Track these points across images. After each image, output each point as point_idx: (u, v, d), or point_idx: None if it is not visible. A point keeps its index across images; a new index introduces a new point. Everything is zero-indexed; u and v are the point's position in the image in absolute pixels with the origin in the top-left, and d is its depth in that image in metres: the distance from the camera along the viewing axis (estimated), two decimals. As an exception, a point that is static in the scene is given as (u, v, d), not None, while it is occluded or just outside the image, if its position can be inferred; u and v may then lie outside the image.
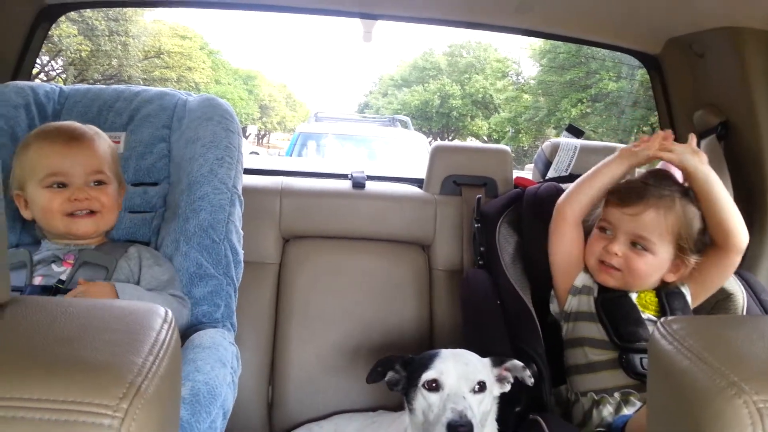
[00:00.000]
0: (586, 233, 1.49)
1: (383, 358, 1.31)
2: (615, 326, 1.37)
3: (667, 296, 1.41)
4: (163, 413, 0.54)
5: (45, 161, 1.30)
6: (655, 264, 1.37)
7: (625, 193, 1.39)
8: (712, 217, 1.35)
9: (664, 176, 1.43)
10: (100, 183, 1.35)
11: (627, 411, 1.29)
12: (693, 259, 1.38)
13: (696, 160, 1.35)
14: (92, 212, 1.33)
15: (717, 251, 1.39)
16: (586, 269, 1.48)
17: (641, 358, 1.31)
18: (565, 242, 1.47)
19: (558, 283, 1.50)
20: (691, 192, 1.39)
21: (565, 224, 1.46)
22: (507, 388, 1.26)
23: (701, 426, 0.58)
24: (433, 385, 1.19)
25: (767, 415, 0.55)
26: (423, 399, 1.20)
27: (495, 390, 1.26)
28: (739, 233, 1.35)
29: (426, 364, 1.22)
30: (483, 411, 1.19)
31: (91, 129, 1.39)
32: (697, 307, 1.54)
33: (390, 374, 1.30)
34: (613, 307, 1.40)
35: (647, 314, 1.39)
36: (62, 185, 1.30)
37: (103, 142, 1.39)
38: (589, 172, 1.47)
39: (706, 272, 1.41)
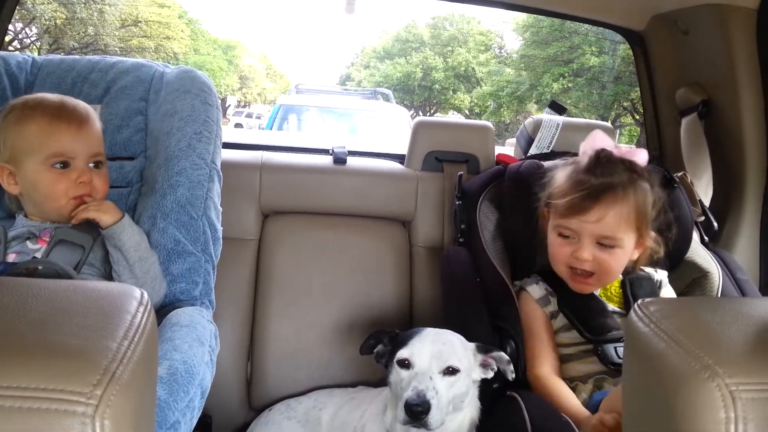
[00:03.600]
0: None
1: (376, 331, 1.33)
2: (583, 321, 1.37)
3: (631, 285, 1.41)
4: (139, 398, 0.54)
5: (53, 140, 1.25)
6: (623, 256, 1.36)
7: (581, 202, 1.32)
8: None
9: (608, 161, 1.36)
10: (97, 165, 1.32)
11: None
12: (652, 234, 1.38)
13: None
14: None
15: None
16: (538, 278, 1.47)
17: (615, 348, 1.32)
18: None
19: None
20: (635, 164, 1.36)
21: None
22: (490, 374, 1.27)
23: (675, 408, 0.59)
24: (405, 362, 1.21)
25: (739, 398, 0.56)
26: (396, 374, 1.23)
27: (476, 374, 1.26)
28: None
29: (404, 341, 1.24)
30: (454, 394, 1.20)
31: (88, 106, 1.35)
32: (673, 285, 1.56)
33: (379, 347, 1.32)
34: (576, 303, 1.40)
35: (612, 306, 1.40)
36: (65, 165, 1.26)
37: (98, 121, 1.36)
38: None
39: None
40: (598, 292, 1.42)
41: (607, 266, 1.35)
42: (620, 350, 1.30)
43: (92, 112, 1.35)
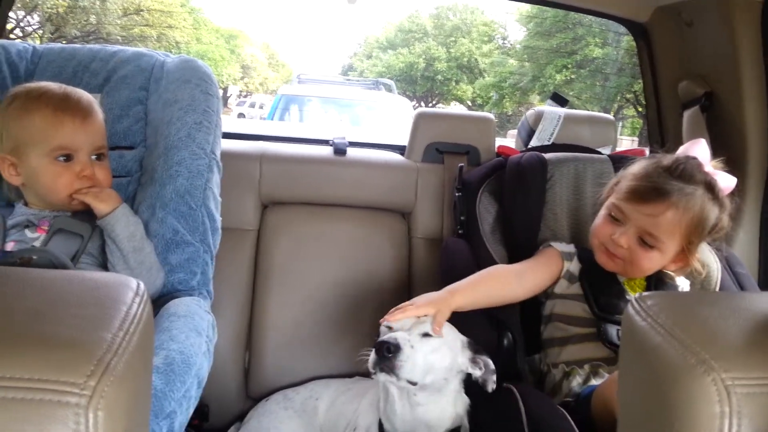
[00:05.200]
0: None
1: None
2: (596, 296, 1.39)
3: (656, 282, 1.40)
4: (134, 389, 0.54)
5: (58, 133, 1.24)
6: (659, 260, 1.34)
7: (645, 192, 1.31)
8: None
9: (692, 169, 1.33)
10: (100, 157, 1.32)
11: (595, 382, 1.31)
12: (696, 255, 1.37)
13: None
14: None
15: None
16: (572, 245, 1.49)
17: (617, 330, 1.33)
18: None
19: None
20: (716, 184, 1.33)
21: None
22: (476, 372, 1.26)
23: (671, 402, 0.59)
24: (388, 327, 1.24)
25: (734, 393, 0.56)
26: (382, 330, 1.26)
27: (463, 362, 1.26)
28: None
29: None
30: (433, 361, 1.19)
31: (91, 98, 1.34)
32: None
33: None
34: (597, 279, 1.42)
35: (631, 296, 1.40)
36: (68, 158, 1.26)
37: (101, 113, 1.35)
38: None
39: None
40: (622, 279, 1.42)
41: (637, 262, 1.34)
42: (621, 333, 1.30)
43: (95, 103, 1.34)
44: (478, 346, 1.29)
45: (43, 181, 1.26)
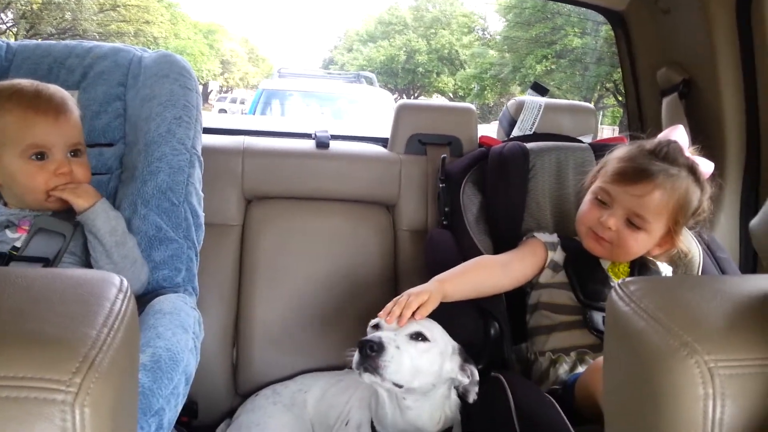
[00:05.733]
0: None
1: None
2: (582, 284, 1.40)
3: (640, 269, 1.42)
4: (120, 386, 0.53)
5: (29, 132, 1.21)
6: (646, 242, 1.36)
7: (633, 174, 1.33)
8: None
9: (675, 153, 1.36)
10: (76, 153, 1.29)
11: (581, 369, 1.32)
12: (681, 238, 1.39)
13: None
14: None
15: None
16: (554, 234, 1.50)
17: (603, 317, 1.34)
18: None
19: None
20: (697, 167, 1.37)
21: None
22: (464, 380, 1.25)
23: (655, 386, 0.60)
24: (375, 325, 1.23)
25: (717, 375, 0.57)
26: (369, 330, 1.24)
27: (453, 369, 1.25)
28: None
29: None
30: (420, 363, 1.17)
31: (65, 94, 1.31)
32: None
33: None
34: (581, 267, 1.43)
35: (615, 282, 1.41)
36: (41, 156, 1.23)
37: (77, 109, 1.32)
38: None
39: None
40: (606, 266, 1.43)
41: (625, 243, 1.35)
42: None
43: (70, 99, 1.31)
44: (467, 355, 1.27)
45: (19, 181, 1.24)
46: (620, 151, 1.41)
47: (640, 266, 1.42)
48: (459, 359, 1.26)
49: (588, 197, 1.42)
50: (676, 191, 1.32)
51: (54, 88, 1.30)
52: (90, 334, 0.51)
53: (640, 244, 1.36)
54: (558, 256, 1.46)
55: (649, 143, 1.39)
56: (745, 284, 0.69)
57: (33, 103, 1.23)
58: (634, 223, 1.34)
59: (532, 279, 1.48)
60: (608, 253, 1.40)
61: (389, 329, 1.20)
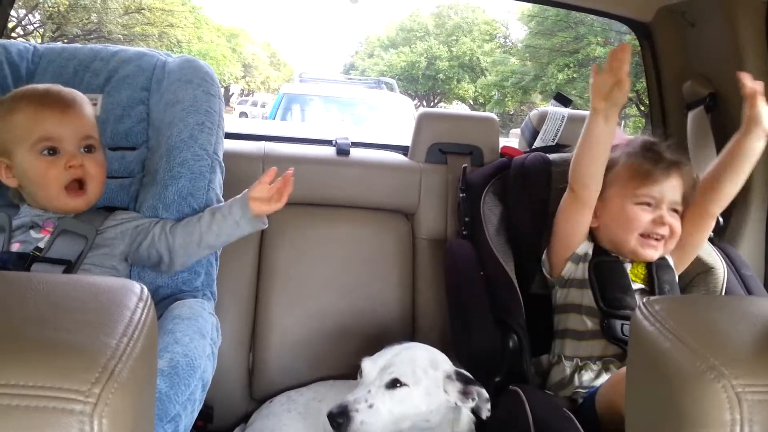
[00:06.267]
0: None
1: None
2: (603, 290, 1.39)
3: (657, 268, 1.42)
4: (138, 395, 0.53)
5: (38, 126, 1.24)
6: (680, 224, 1.44)
7: (662, 171, 1.41)
8: (734, 171, 1.41)
9: (663, 147, 1.46)
10: (89, 149, 1.30)
11: (605, 377, 1.32)
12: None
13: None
14: (82, 187, 1.29)
15: (700, 213, 1.45)
16: (591, 238, 1.48)
17: (622, 324, 1.33)
18: (580, 221, 1.44)
19: (557, 250, 1.49)
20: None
21: (585, 207, 1.42)
22: (470, 404, 1.22)
23: (680, 409, 0.58)
24: (360, 372, 1.22)
25: (745, 400, 0.55)
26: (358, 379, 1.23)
27: (452, 398, 1.23)
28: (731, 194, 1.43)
29: (375, 353, 1.24)
30: (403, 410, 1.17)
31: (77, 93, 1.34)
32: (678, 279, 1.56)
33: None
34: (606, 271, 1.42)
35: (637, 284, 1.41)
36: (53, 151, 1.25)
37: (89, 106, 1.34)
38: (583, 148, 1.36)
39: (688, 235, 1.45)
40: (629, 268, 1.43)
41: (676, 231, 1.42)
42: (626, 328, 1.32)
43: (80, 96, 1.33)
44: (465, 375, 1.24)
45: (32, 178, 1.26)
46: (624, 158, 1.45)
47: (657, 266, 1.43)
48: (458, 384, 1.23)
49: (628, 207, 1.41)
50: (689, 177, 1.45)
51: (65, 88, 1.33)
52: (110, 343, 0.51)
53: (680, 228, 1.43)
54: (588, 248, 1.46)
55: (647, 143, 1.48)
56: (773, 306, 0.68)
57: (41, 100, 1.26)
58: (675, 209, 1.43)
59: (557, 275, 1.48)
60: (662, 251, 1.43)
61: (370, 374, 1.20)
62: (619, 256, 1.44)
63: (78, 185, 1.28)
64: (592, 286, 1.40)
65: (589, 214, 1.44)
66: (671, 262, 1.46)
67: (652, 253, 1.41)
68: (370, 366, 1.21)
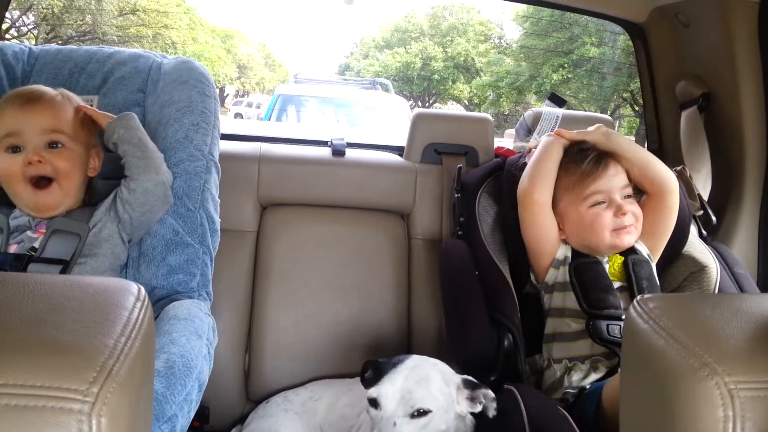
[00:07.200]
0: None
1: (366, 361, 1.29)
2: (585, 292, 1.40)
3: (633, 265, 1.43)
4: (136, 395, 0.53)
5: (2, 123, 1.24)
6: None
7: (595, 164, 1.44)
8: (636, 171, 1.45)
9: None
10: (55, 145, 1.28)
11: (595, 376, 1.33)
12: None
13: (599, 134, 1.50)
14: (50, 181, 1.27)
15: (652, 200, 1.47)
16: (564, 241, 1.49)
17: (608, 325, 1.34)
18: (545, 225, 1.47)
19: (535, 260, 1.50)
20: None
21: (542, 210, 1.46)
22: (477, 408, 1.22)
23: (674, 406, 0.59)
24: (374, 402, 1.19)
25: (738, 397, 0.56)
26: (370, 411, 1.21)
27: (462, 407, 1.22)
28: (664, 176, 1.46)
29: (378, 377, 1.21)
30: None
31: (56, 91, 1.34)
32: (670, 278, 1.57)
33: (368, 373, 1.27)
34: (585, 273, 1.43)
35: (615, 282, 1.42)
36: (16, 149, 1.25)
37: (68, 103, 1.33)
38: (538, 157, 1.50)
39: (651, 221, 1.47)
40: (607, 266, 1.44)
41: (638, 215, 1.44)
42: (612, 328, 1.33)
43: (59, 94, 1.33)
44: (473, 381, 1.24)
45: (1, 177, 1.26)
46: (564, 166, 1.49)
47: (633, 262, 1.44)
48: (467, 391, 1.23)
49: (586, 211, 1.44)
50: (621, 157, 1.48)
51: (43, 87, 1.33)
52: (107, 343, 0.51)
53: (641, 211, 1.46)
54: (561, 252, 1.47)
55: (572, 148, 1.51)
56: (765, 303, 0.68)
57: (8, 98, 1.28)
58: (628, 195, 1.45)
59: (541, 280, 1.50)
60: (637, 235, 1.45)
61: (388, 406, 1.16)
62: (598, 256, 1.45)
63: (46, 181, 1.26)
64: (574, 288, 1.41)
65: (550, 213, 1.47)
66: (645, 252, 1.47)
67: (630, 239, 1.43)
68: (385, 396, 1.17)
